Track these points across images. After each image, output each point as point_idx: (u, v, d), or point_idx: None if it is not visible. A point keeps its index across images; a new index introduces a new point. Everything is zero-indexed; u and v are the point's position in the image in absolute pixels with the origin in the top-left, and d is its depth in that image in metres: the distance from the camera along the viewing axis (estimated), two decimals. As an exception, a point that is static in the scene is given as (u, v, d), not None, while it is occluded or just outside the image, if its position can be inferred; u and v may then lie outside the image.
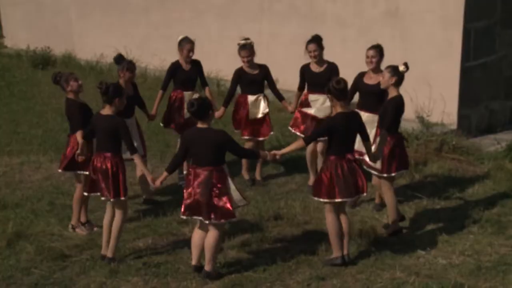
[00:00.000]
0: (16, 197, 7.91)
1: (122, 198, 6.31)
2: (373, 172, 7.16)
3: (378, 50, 7.81)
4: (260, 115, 8.33)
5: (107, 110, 6.37)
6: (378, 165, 6.94)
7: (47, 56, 15.34)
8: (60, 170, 7.08)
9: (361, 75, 7.92)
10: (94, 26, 15.56)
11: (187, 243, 6.80)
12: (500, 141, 9.98)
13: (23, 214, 7.43)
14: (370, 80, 7.76)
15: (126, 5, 14.98)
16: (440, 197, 8.04)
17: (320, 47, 8.23)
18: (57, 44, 15.64)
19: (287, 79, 11.51)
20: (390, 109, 6.88)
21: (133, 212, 7.55)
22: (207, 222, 5.94)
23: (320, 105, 8.12)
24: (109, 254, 6.36)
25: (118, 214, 6.35)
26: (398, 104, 6.95)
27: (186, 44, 8.34)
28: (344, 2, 11.63)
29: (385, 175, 7.02)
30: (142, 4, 14.67)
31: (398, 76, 6.90)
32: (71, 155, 6.86)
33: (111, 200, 6.30)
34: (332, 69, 8.20)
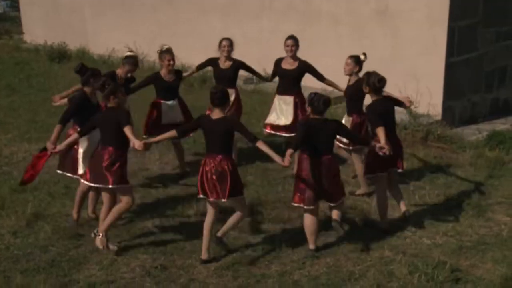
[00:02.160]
0: (34, 181, 7.86)
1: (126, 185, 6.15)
2: (342, 146, 7.34)
3: (295, 40, 8.10)
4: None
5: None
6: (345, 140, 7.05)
7: (63, 50, 15.32)
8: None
9: (280, 60, 8.23)
10: (107, 23, 15.55)
11: (191, 224, 6.81)
12: (481, 131, 10.00)
13: (41, 196, 7.42)
14: (288, 65, 8.08)
15: (136, 4, 14.95)
16: (426, 182, 8.04)
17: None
18: (72, 40, 15.63)
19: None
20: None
21: (141, 196, 7.54)
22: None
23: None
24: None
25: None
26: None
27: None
28: (338, 0, 11.59)
29: (351, 148, 7.25)
30: (150, 3, 14.63)
31: (360, 65, 7.20)
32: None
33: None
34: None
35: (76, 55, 15.03)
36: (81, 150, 6.50)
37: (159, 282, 5.70)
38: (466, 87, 10.80)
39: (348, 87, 7.68)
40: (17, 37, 18.17)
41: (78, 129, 6.31)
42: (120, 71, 7.67)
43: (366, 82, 6.60)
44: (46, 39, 16.04)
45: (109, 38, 14.99)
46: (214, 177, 5.77)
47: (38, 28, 17.21)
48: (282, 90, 8.23)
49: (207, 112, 7.42)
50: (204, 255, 6.02)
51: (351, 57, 7.55)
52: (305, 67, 8.11)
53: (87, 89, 6.48)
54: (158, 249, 6.25)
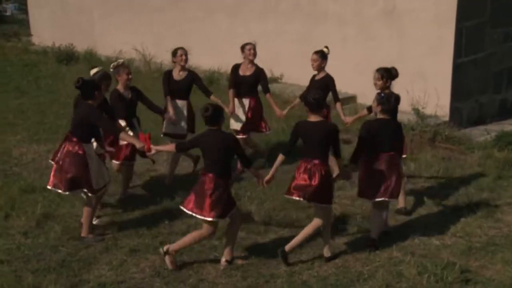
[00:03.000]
0: (43, 181, 7.89)
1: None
2: None
3: (254, 46, 8.30)
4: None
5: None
6: None
7: (71, 52, 15.41)
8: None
9: (236, 67, 8.38)
10: (114, 25, 15.60)
11: (201, 224, 6.81)
12: (489, 132, 9.97)
13: (51, 197, 7.43)
14: (247, 71, 8.26)
15: (143, 5, 15.00)
16: (434, 183, 8.03)
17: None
18: (80, 42, 15.70)
19: (291, 74, 11.52)
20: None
21: (150, 197, 7.57)
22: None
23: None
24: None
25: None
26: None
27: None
28: (345, 1, 11.59)
29: None
30: (157, 4, 14.67)
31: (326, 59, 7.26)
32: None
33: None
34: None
35: (84, 57, 15.10)
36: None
37: (169, 282, 5.71)
38: (474, 88, 10.79)
39: (315, 81, 7.91)
40: (26, 39, 18.26)
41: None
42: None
43: (386, 101, 6.26)
44: (54, 41, 16.12)
45: (117, 40, 15.05)
46: None
47: (46, 30, 17.29)
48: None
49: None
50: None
51: (317, 52, 7.83)
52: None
53: (91, 102, 6.41)
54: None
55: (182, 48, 8.02)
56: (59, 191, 6.29)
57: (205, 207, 5.71)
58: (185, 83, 8.00)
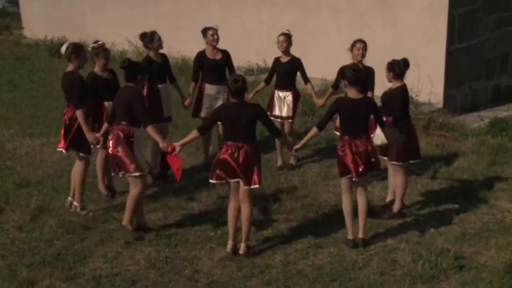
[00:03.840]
0: (38, 175, 7.93)
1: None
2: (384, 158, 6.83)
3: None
4: None
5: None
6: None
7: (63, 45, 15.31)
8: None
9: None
10: (106, 17, 15.53)
11: (195, 216, 6.85)
12: (483, 118, 9.99)
13: (45, 191, 7.44)
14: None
15: (135, -4, 14.92)
16: (428, 170, 8.05)
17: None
18: (72, 34, 15.57)
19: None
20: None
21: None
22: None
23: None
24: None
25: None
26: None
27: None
28: (338, -10, 11.57)
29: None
30: (150, -5, 14.60)
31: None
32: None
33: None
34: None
35: (76, 50, 15.01)
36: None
37: (164, 274, 5.73)
38: (467, 75, 10.79)
39: (283, 64, 8.04)
40: (17, 32, 18.17)
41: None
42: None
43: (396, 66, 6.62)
44: (46, 34, 16.04)
45: (109, 32, 14.96)
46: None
47: (38, 23, 17.20)
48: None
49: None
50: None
51: (284, 34, 7.95)
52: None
53: (132, 85, 6.31)
54: (162, 242, 6.28)
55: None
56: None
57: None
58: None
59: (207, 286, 5.55)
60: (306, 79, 8.12)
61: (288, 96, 8.09)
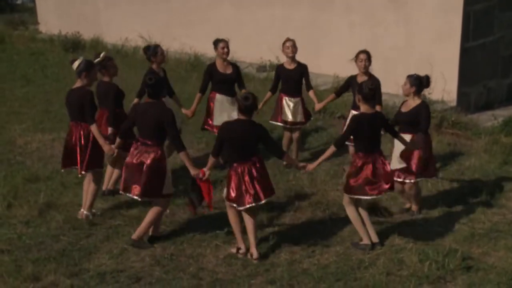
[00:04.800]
0: (47, 170, 7.96)
1: None
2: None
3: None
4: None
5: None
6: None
7: (77, 40, 15.39)
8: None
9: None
10: (120, 13, 15.58)
11: (202, 213, 6.83)
12: (497, 117, 9.88)
13: (54, 186, 7.48)
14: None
15: (149, -8, 14.94)
16: (439, 169, 7.96)
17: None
18: (86, 30, 15.68)
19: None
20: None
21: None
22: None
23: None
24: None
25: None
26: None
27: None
28: (351, -13, 11.48)
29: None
30: (163, -9, 14.61)
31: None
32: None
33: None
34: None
35: (90, 45, 15.08)
36: None
37: (169, 271, 5.73)
38: (482, 73, 10.67)
39: (289, 71, 7.99)
40: (33, 27, 18.28)
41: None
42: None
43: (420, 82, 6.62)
44: (61, 29, 16.12)
45: (123, 28, 15.02)
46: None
47: (53, 18, 17.28)
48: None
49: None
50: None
51: (291, 40, 7.92)
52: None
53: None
54: (167, 239, 6.28)
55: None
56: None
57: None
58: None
59: (211, 284, 5.54)
60: (310, 87, 8.09)
61: (299, 102, 8.07)
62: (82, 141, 6.49)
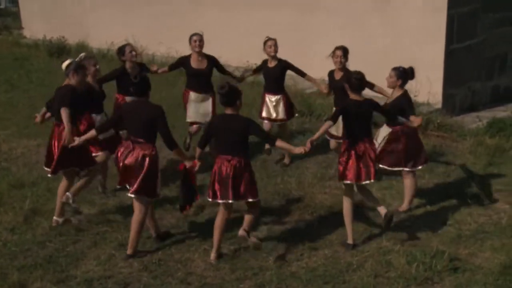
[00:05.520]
0: (32, 176, 7.89)
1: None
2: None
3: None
4: None
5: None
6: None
7: (62, 45, 15.27)
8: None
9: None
10: (105, 17, 15.50)
11: (189, 218, 6.81)
12: (481, 119, 9.95)
13: (39, 192, 7.41)
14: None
15: (134, -2, 14.91)
16: (425, 171, 7.98)
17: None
18: (71, 34, 15.58)
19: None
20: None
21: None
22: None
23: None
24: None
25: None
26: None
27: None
28: (335, -10, 11.52)
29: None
30: (148, -4, 14.59)
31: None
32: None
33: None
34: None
35: (76, 50, 14.97)
36: None
37: (157, 276, 5.70)
38: (467, 75, 10.74)
39: (269, 68, 8.06)
40: (17, 32, 18.13)
41: None
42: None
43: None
44: (45, 34, 16.00)
45: (108, 32, 14.94)
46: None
47: (37, 23, 17.16)
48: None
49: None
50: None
51: (272, 39, 7.98)
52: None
53: None
54: (155, 244, 6.25)
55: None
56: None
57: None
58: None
59: (199, 289, 5.53)
60: (303, 73, 8.13)
61: (280, 100, 8.11)
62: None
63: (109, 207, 7.07)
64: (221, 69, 8.35)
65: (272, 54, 8.00)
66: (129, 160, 5.89)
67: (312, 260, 5.98)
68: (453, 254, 5.92)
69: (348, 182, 6.10)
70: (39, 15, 17.24)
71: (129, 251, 6.00)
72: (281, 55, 8.16)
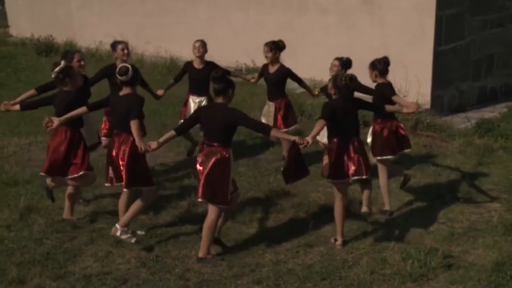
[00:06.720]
0: (26, 174, 7.87)
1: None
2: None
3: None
4: None
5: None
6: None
7: (50, 44, 15.25)
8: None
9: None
10: (93, 15, 15.47)
11: (185, 215, 6.85)
12: (470, 119, 10.10)
13: (33, 190, 7.40)
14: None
15: (123, -5, 14.88)
16: (416, 171, 8.12)
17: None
18: (59, 33, 15.54)
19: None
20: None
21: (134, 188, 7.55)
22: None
23: None
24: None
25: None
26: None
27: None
28: (325, -10, 11.63)
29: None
30: (138, -6, 14.57)
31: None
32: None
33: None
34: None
35: (64, 48, 14.90)
36: None
37: (155, 272, 5.73)
38: (454, 76, 10.90)
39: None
40: (3, 30, 18.02)
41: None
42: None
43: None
44: (33, 32, 15.93)
45: (97, 31, 14.93)
46: None
47: (24, 21, 17.08)
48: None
49: None
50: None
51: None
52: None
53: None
54: (152, 241, 6.28)
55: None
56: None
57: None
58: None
59: (197, 285, 5.56)
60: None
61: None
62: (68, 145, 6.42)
63: (104, 205, 7.08)
64: None
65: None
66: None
67: (308, 257, 6.04)
68: (447, 252, 6.02)
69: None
70: (26, 14, 17.17)
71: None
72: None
